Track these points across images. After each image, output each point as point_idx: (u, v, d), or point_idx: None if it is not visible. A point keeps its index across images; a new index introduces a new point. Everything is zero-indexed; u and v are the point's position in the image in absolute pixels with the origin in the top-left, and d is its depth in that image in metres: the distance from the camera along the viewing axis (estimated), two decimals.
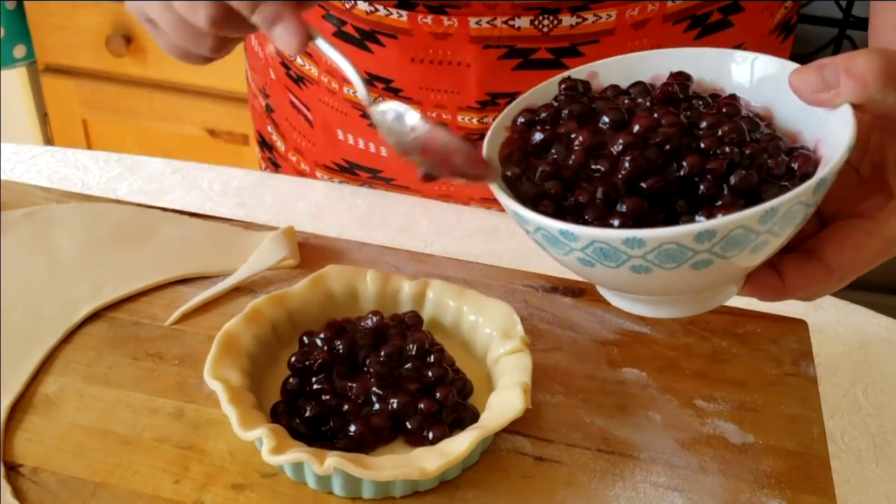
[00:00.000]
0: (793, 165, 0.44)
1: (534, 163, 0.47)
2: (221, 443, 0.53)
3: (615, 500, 0.51)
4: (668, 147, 0.44)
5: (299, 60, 0.77)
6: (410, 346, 0.54)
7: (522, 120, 0.49)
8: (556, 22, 0.65)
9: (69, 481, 0.51)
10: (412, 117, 0.48)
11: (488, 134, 0.48)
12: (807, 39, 1.46)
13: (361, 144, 0.77)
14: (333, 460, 0.47)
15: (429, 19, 0.66)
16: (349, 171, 0.80)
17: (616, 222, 0.43)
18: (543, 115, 0.49)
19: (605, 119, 0.47)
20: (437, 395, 0.52)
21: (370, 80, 0.72)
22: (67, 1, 1.65)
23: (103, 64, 1.71)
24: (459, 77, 0.69)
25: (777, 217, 0.41)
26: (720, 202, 0.43)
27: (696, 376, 0.59)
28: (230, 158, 1.71)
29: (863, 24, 1.44)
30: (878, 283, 1.70)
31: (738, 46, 0.71)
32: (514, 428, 0.53)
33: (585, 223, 0.43)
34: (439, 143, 0.47)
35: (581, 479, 0.52)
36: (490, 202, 0.78)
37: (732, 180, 0.43)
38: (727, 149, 0.44)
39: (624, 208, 0.43)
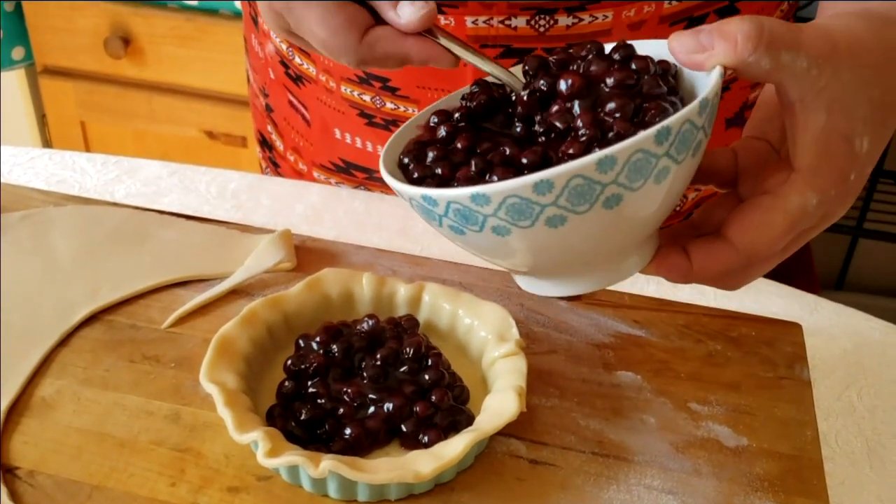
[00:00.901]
0: None
1: (426, 149, 0.48)
2: (217, 446, 0.53)
3: (609, 503, 0.51)
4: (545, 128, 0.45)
5: (297, 59, 0.77)
6: (407, 349, 0.54)
7: (435, 120, 0.50)
8: (552, 22, 0.65)
9: (65, 484, 0.51)
10: None
11: (397, 131, 0.49)
12: None
13: (358, 143, 0.77)
14: (328, 463, 0.47)
15: None
16: (345, 171, 0.80)
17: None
18: (458, 114, 0.50)
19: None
20: (433, 398, 0.52)
21: (366, 78, 0.73)
22: (66, 1, 1.66)
23: (101, 66, 1.71)
24: (456, 76, 0.69)
25: (620, 164, 0.40)
26: None
27: (691, 379, 0.59)
28: (228, 160, 1.71)
29: None
30: (872, 286, 1.70)
31: None
32: (508, 431, 0.53)
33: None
34: None
35: (575, 481, 0.52)
36: None
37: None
38: (586, 130, 0.44)
39: (495, 179, 0.44)
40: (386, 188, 0.79)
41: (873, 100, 0.45)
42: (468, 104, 0.50)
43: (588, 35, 0.66)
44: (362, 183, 0.80)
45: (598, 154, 0.40)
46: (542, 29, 0.66)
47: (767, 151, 0.49)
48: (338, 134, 0.78)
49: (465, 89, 0.51)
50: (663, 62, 0.47)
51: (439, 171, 0.46)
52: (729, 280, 0.49)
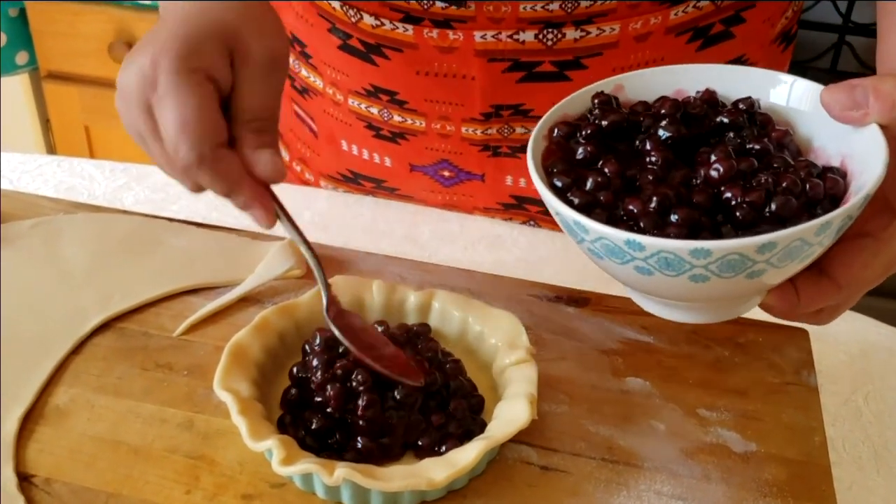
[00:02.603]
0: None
1: (584, 173, 0.48)
2: (231, 453, 0.53)
3: None
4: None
5: (304, 72, 0.78)
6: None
7: (560, 132, 0.51)
8: (560, 35, 0.66)
9: (81, 491, 0.51)
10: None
11: (530, 143, 0.50)
12: (806, 45, 1.47)
13: (366, 155, 0.78)
14: (343, 471, 0.48)
15: (434, 33, 0.67)
16: (353, 181, 0.81)
17: (672, 233, 0.45)
18: (586, 131, 0.50)
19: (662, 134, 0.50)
20: (449, 407, 0.53)
21: (374, 91, 0.73)
22: (70, 4, 1.66)
23: (106, 71, 1.71)
24: (464, 90, 0.70)
25: (830, 229, 0.43)
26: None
27: (699, 385, 0.59)
28: None
29: (862, 30, 1.45)
30: (879, 289, 1.70)
31: (740, 58, 0.72)
32: (519, 438, 0.53)
33: (641, 232, 0.45)
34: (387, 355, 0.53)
35: (586, 488, 0.53)
36: (492, 213, 0.79)
37: (773, 206, 0.45)
38: (763, 179, 0.46)
39: (677, 218, 0.45)
40: (393, 196, 0.80)
41: None
42: (599, 122, 0.50)
43: (595, 48, 0.67)
44: (370, 192, 0.81)
45: (821, 219, 0.42)
46: (549, 42, 0.66)
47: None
48: (345, 145, 0.78)
49: (581, 98, 0.52)
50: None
51: (602, 198, 0.47)
52: (825, 314, 0.51)
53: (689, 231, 0.45)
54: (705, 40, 0.69)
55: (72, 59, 1.72)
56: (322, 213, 0.77)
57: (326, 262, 0.68)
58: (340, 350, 0.54)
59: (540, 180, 0.48)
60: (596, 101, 0.52)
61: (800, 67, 1.45)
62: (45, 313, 0.62)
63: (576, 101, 0.52)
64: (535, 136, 0.51)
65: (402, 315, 0.60)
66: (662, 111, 0.50)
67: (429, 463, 0.50)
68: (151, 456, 0.53)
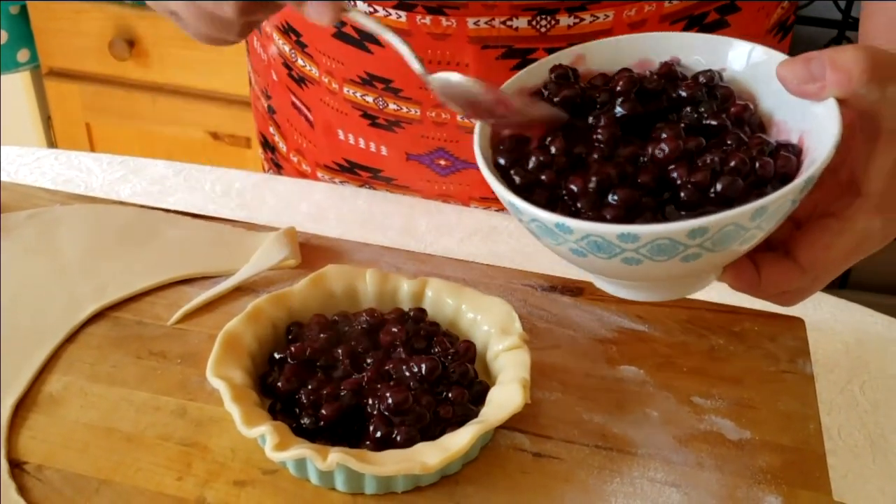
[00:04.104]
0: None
1: (527, 151, 0.47)
2: (223, 440, 0.53)
3: (613, 496, 0.52)
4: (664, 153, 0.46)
5: (300, 61, 0.78)
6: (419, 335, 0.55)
7: None
8: (553, 22, 0.66)
9: (73, 478, 0.51)
10: (471, 83, 0.49)
11: (478, 123, 0.49)
12: (806, 41, 1.46)
13: (362, 144, 0.78)
14: (336, 456, 0.48)
15: (427, 20, 0.67)
16: (350, 170, 0.81)
17: (608, 214, 0.44)
18: None
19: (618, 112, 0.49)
20: (450, 395, 0.52)
21: (369, 79, 0.73)
22: (71, 2, 1.67)
23: (106, 68, 1.72)
24: None
25: (766, 214, 0.42)
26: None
27: (694, 373, 0.59)
28: (232, 161, 1.72)
29: None
30: (875, 284, 1.70)
31: None
32: (512, 424, 0.53)
33: (578, 212, 0.44)
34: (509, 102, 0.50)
35: (579, 474, 0.53)
36: (489, 202, 0.79)
37: (719, 186, 0.44)
38: (709, 159, 0.45)
39: (616, 199, 0.44)
40: (390, 186, 0.80)
41: None
42: (552, 97, 0.49)
43: (589, 35, 0.67)
44: (367, 182, 0.81)
45: (755, 204, 0.41)
46: (543, 29, 0.66)
47: (827, 175, 0.49)
48: (341, 135, 0.78)
49: (539, 70, 0.51)
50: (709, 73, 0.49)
51: (544, 178, 0.46)
52: (790, 296, 0.50)
53: (628, 212, 0.44)
54: (700, 29, 0.69)
55: (73, 57, 1.73)
56: (318, 205, 0.77)
57: (321, 252, 0.68)
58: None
59: (482, 158, 0.47)
60: (552, 74, 0.50)
61: None
62: (40, 302, 0.62)
63: (534, 72, 0.51)
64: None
65: (396, 303, 0.60)
66: (618, 88, 0.49)
67: (422, 447, 0.50)
68: (144, 443, 0.53)
